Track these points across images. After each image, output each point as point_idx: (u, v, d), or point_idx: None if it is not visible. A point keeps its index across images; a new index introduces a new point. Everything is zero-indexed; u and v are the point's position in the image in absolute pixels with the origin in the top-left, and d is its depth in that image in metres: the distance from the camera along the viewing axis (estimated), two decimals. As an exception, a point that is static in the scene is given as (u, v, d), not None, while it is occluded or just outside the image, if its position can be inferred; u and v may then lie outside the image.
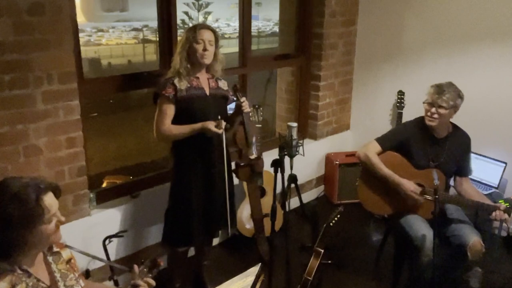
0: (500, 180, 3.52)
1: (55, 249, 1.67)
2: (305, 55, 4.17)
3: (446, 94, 2.61)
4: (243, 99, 2.63)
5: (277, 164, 2.63)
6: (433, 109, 2.65)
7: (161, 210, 2.77)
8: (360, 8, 4.31)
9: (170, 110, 2.56)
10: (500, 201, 2.59)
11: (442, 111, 2.62)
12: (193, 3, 12.40)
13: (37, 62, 2.37)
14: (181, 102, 2.55)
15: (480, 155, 3.60)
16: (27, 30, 2.30)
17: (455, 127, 2.80)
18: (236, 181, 3.02)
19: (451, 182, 2.87)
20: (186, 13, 11.78)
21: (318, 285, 2.76)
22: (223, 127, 2.47)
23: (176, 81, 2.55)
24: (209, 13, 13.00)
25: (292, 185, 3.72)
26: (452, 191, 2.90)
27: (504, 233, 3.63)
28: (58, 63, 2.45)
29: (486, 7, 3.59)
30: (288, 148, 3.17)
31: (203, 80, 2.66)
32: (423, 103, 2.72)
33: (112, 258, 2.85)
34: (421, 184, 2.72)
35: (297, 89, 4.32)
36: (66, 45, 2.47)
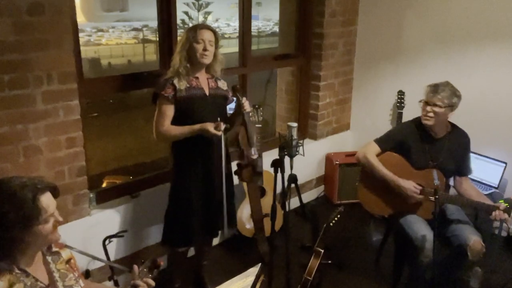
0: (500, 180, 3.52)
1: (54, 249, 1.67)
2: (305, 55, 4.17)
3: (441, 93, 2.62)
4: (243, 99, 2.63)
5: (277, 164, 2.63)
6: (428, 108, 2.66)
7: (161, 210, 2.77)
8: (360, 8, 4.31)
9: (169, 111, 2.56)
10: (500, 201, 2.58)
11: (437, 109, 2.63)
12: (193, 3, 12.40)
13: (37, 62, 2.37)
14: (180, 102, 2.55)
15: (480, 155, 3.60)
16: (27, 30, 2.30)
17: (454, 126, 2.80)
18: (236, 181, 3.02)
19: (451, 182, 2.87)
20: (186, 13, 11.79)
21: (318, 285, 2.77)
22: (222, 128, 2.46)
23: (175, 81, 2.54)
24: (209, 13, 13.01)
25: (292, 185, 3.72)
26: (452, 191, 2.90)
27: (504, 233, 3.63)
28: (58, 63, 2.45)
29: (486, 7, 3.58)
30: (288, 148, 3.16)
31: (203, 80, 2.66)
32: (419, 102, 2.73)
33: (112, 258, 2.85)
34: (420, 185, 2.72)
35: (297, 89, 4.32)
36: (66, 45, 2.47)
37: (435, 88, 2.65)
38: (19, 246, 1.47)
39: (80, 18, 3.60)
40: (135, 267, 1.67)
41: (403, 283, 2.96)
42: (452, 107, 2.64)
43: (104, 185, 3.86)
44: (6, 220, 1.42)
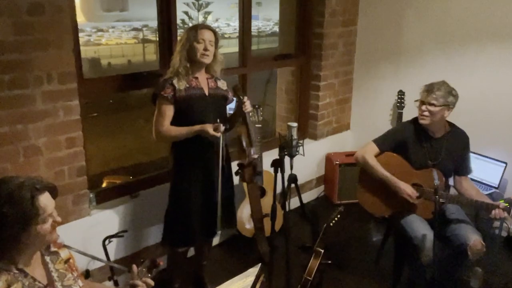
0: (501, 180, 3.51)
1: (53, 249, 1.67)
2: (305, 55, 4.17)
3: (436, 92, 2.63)
4: (245, 98, 2.63)
5: (277, 164, 2.62)
6: (424, 107, 2.67)
7: (161, 210, 2.77)
8: (360, 8, 4.30)
9: (168, 111, 2.56)
10: (500, 201, 2.58)
11: (431, 108, 2.63)
12: (193, 3, 12.40)
13: (36, 62, 2.36)
14: (180, 103, 2.55)
15: (480, 155, 3.60)
16: (27, 30, 2.30)
17: (452, 126, 2.80)
18: (236, 181, 3.02)
19: (451, 182, 2.87)
20: (186, 13, 11.78)
21: (318, 285, 2.76)
22: (222, 130, 2.46)
23: (175, 81, 2.54)
24: (209, 13, 13.01)
25: (292, 185, 3.71)
26: (452, 191, 2.90)
27: (504, 233, 3.63)
28: (58, 63, 2.45)
29: (486, 7, 3.58)
30: (288, 148, 3.16)
31: (202, 80, 2.66)
32: (415, 101, 2.74)
33: (112, 258, 2.85)
34: (419, 184, 2.72)
35: (297, 89, 4.31)
36: (66, 45, 2.47)
37: (430, 88, 2.67)
38: (17, 246, 1.47)
39: (80, 18, 3.60)
40: (134, 266, 1.67)
41: (403, 283, 2.95)
42: (448, 106, 2.64)
43: (104, 185, 3.86)
44: (4, 220, 1.42)
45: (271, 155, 3.18)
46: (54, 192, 1.56)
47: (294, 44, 4.22)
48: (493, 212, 2.53)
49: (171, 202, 2.73)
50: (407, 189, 2.68)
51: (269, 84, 6.58)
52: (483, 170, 3.57)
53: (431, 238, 2.52)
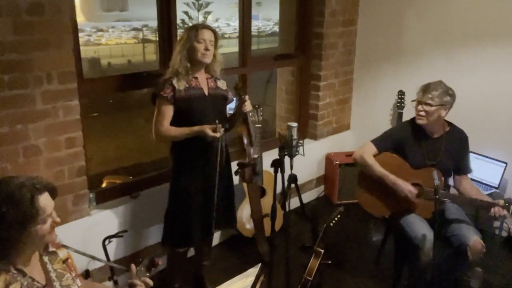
0: (501, 180, 3.51)
1: (51, 248, 1.67)
2: (305, 55, 4.17)
3: (432, 92, 2.63)
4: (246, 97, 2.63)
5: (277, 164, 2.62)
6: (420, 107, 2.67)
7: (161, 210, 2.76)
8: (360, 8, 4.30)
9: (168, 111, 2.55)
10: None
11: (428, 108, 2.63)
12: (193, 3, 12.40)
13: (36, 62, 2.36)
14: (179, 103, 2.55)
15: (481, 155, 3.60)
16: (26, 30, 2.30)
17: (451, 125, 2.80)
18: (236, 181, 3.01)
19: (451, 182, 2.87)
20: (186, 12, 11.78)
21: (318, 285, 2.76)
22: (220, 131, 2.45)
23: (174, 81, 2.54)
24: (209, 12, 13.00)
25: (292, 185, 3.71)
26: (452, 191, 2.89)
27: (504, 233, 3.63)
28: (58, 63, 2.45)
29: (487, 7, 3.58)
30: (288, 148, 3.16)
31: (202, 80, 2.66)
32: (411, 101, 2.74)
33: (112, 258, 2.84)
34: (419, 184, 2.72)
35: (297, 89, 4.31)
36: (66, 45, 2.47)
37: (426, 87, 2.67)
38: (16, 246, 1.47)
39: (80, 18, 3.60)
40: (133, 266, 1.66)
41: (403, 283, 2.95)
42: (444, 106, 2.64)
43: (104, 185, 3.85)
44: (4, 220, 1.41)
45: (271, 155, 3.18)
46: (53, 193, 1.56)
47: (294, 44, 4.22)
48: (492, 210, 2.53)
49: (171, 202, 2.73)
50: (406, 186, 2.68)
51: (269, 84, 6.58)
52: (483, 170, 3.57)
53: (431, 238, 2.52)
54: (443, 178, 2.68)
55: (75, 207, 2.71)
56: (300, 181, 3.84)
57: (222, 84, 2.74)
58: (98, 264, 2.76)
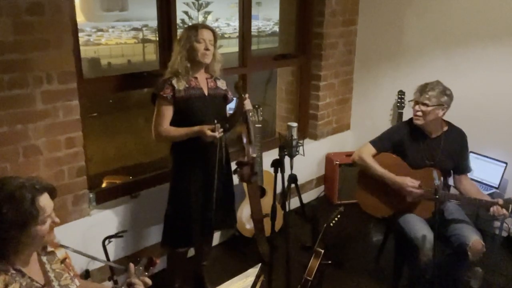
0: (501, 180, 3.51)
1: (49, 248, 1.67)
2: (305, 55, 4.17)
3: (429, 92, 2.63)
4: (246, 95, 2.63)
5: (277, 164, 2.62)
6: (417, 107, 2.67)
7: (161, 210, 2.76)
8: (360, 8, 4.30)
9: (168, 111, 2.55)
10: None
11: (424, 108, 2.64)
12: (193, 3, 12.38)
13: (36, 62, 2.36)
14: (179, 103, 2.55)
15: (481, 155, 3.60)
16: (26, 30, 2.30)
17: (450, 125, 2.80)
18: (236, 181, 3.01)
19: (451, 182, 2.87)
20: (186, 12, 11.76)
21: (318, 285, 2.76)
22: (220, 131, 2.45)
23: (174, 81, 2.54)
24: (209, 12, 12.98)
25: (292, 185, 3.71)
26: (453, 191, 2.89)
27: (504, 233, 3.63)
28: (58, 63, 2.45)
29: (487, 7, 3.58)
30: (288, 148, 3.16)
31: (202, 80, 2.66)
32: (409, 101, 2.74)
33: (112, 258, 2.84)
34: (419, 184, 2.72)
35: (297, 89, 4.31)
36: (66, 45, 2.47)
37: (423, 88, 2.67)
38: (15, 247, 1.47)
39: (80, 18, 3.59)
40: (131, 265, 1.66)
41: (403, 283, 2.95)
42: (441, 106, 2.64)
43: (104, 185, 3.85)
44: (4, 220, 1.41)
45: (271, 155, 3.18)
46: (53, 193, 1.56)
47: (294, 44, 4.22)
48: (491, 209, 2.53)
49: (171, 203, 2.72)
50: (406, 181, 2.67)
51: (269, 84, 6.57)
52: (484, 170, 3.57)
53: (431, 239, 2.52)
54: (442, 178, 2.68)
55: (75, 207, 2.71)
56: (300, 181, 3.84)
57: (221, 84, 2.74)
58: (98, 264, 2.76)
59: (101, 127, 6.74)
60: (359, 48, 4.40)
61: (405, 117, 3.76)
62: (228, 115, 2.81)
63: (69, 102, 2.54)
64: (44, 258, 1.64)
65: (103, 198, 2.95)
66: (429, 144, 2.75)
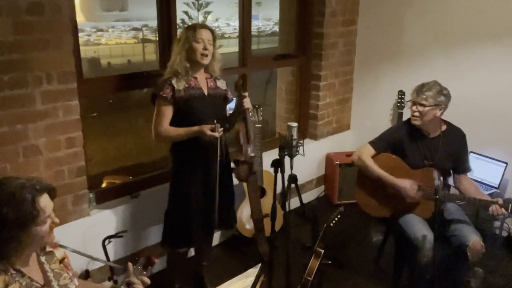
0: (501, 180, 3.51)
1: (48, 249, 1.67)
2: (305, 55, 4.17)
3: (426, 92, 2.63)
4: (246, 93, 2.63)
5: (277, 164, 2.62)
6: (414, 107, 2.67)
7: (161, 210, 2.76)
8: (360, 8, 4.30)
9: (168, 111, 2.55)
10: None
11: (421, 108, 2.64)
12: (193, 3, 12.37)
13: (36, 62, 2.36)
14: (179, 103, 2.54)
15: (481, 155, 3.60)
16: (26, 30, 2.30)
17: (448, 124, 2.80)
18: (236, 181, 3.01)
19: (450, 182, 2.87)
20: (186, 12, 11.75)
21: (318, 285, 2.75)
22: (219, 130, 2.45)
23: (174, 81, 2.54)
24: (209, 12, 12.98)
25: (292, 185, 3.71)
26: (453, 191, 2.89)
27: (504, 233, 3.63)
28: (58, 63, 2.45)
29: (487, 7, 3.58)
30: (288, 148, 3.16)
31: (201, 80, 2.65)
32: (406, 102, 2.74)
33: (112, 258, 2.84)
34: (418, 184, 2.72)
35: (297, 89, 4.31)
36: (66, 44, 2.47)
37: (420, 88, 2.67)
38: (15, 247, 1.47)
39: (80, 18, 3.59)
40: (130, 264, 1.66)
41: (403, 283, 2.95)
42: (439, 106, 2.64)
43: (103, 185, 3.85)
44: (4, 221, 1.41)
45: (271, 155, 3.18)
46: (52, 194, 1.56)
47: (294, 44, 4.22)
48: (490, 208, 2.53)
49: (171, 203, 2.72)
50: (405, 184, 2.68)
51: (269, 84, 6.57)
52: (484, 170, 3.57)
53: (431, 239, 2.52)
54: (441, 177, 2.68)
55: (75, 207, 2.71)
56: (300, 181, 3.84)
57: (221, 84, 2.74)
58: (98, 264, 2.76)
59: (101, 127, 6.74)
60: (359, 48, 4.40)
61: (405, 117, 3.74)
62: (228, 115, 2.81)
63: (69, 102, 2.54)
64: (43, 258, 1.64)
65: (103, 198, 2.95)
66: (427, 144, 2.75)
